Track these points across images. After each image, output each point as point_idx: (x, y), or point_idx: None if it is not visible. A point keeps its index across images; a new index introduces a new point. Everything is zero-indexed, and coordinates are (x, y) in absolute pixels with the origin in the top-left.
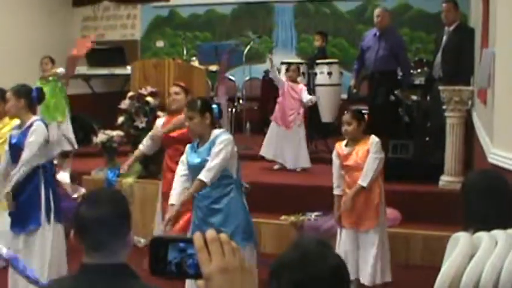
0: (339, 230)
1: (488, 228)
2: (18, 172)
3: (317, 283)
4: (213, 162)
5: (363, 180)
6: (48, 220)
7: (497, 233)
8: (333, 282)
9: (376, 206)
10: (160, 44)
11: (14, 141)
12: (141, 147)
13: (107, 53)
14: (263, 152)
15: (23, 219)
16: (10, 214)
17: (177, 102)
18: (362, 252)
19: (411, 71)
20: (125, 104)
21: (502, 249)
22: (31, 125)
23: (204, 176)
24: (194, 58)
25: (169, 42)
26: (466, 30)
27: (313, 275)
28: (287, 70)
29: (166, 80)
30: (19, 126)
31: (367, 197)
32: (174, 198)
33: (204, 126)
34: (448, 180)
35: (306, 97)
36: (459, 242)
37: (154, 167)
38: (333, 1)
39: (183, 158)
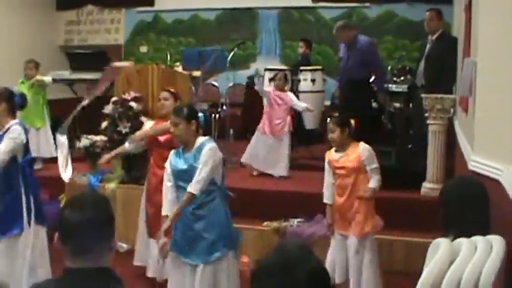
0: (332, 239)
1: (468, 234)
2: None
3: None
4: (202, 174)
5: (374, 184)
6: (29, 224)
7: (477, 239)
8: (314, 286)
9: (368, 213)
10: (144, 49)
11: None
12: (126, 145)
13: (90, 58)
14: (244, 158)
15: (4, 224)
16: None
17: (166, 108)
18: (351, 259)
19: (385, 77)
20: (108, 108)
21: (481, 255)
22: (8, 129)
23: (194, 188)
24: (178, 64)
25: (153, 47)
26: (449, 39)
27: (294, 279)
28: (273, 79)
29: (150, 85)
30: None
31: (360, 204)
32: (167, 208)
33: (189, 133)
34: (430, 187)
35: (301, 105)
36: (439, 247)
37: (136, 172)
38: (317, 8)
39: (167, 165)
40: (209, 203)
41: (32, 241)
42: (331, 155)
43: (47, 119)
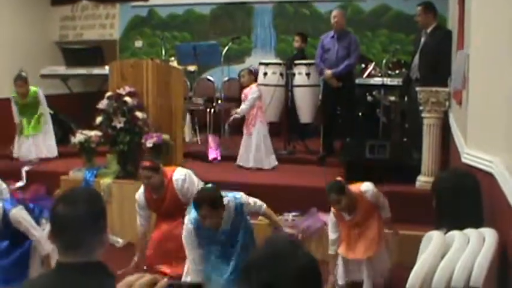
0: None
1: (461, 226)
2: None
3: (287, 282)
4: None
5: (387, 213)
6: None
7: (470, 232)
8: (303, 281)
9: (373, 237)
10: (138, 44)
11: None
12: (140, 228)
13: (85, 53)
14: (238, 161)
15: (11, 277)
16: None
17: (154, 184)
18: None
19: (348, 69)
20: (103, 104)
21: (473, 247)
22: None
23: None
24: (173, 58)
25: (148, 42)
26: (444, 32)
27: (283, 273)
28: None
29: (145, 80)
30: None
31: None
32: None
33: (220, 217)
34: (425, 180)
35: (243, 107)
36: (432, 240)
37: (131, 167)
38: (312, 2)
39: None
40: (241, 230)
41: None
42: (341, 213)
43: (43, 126)
